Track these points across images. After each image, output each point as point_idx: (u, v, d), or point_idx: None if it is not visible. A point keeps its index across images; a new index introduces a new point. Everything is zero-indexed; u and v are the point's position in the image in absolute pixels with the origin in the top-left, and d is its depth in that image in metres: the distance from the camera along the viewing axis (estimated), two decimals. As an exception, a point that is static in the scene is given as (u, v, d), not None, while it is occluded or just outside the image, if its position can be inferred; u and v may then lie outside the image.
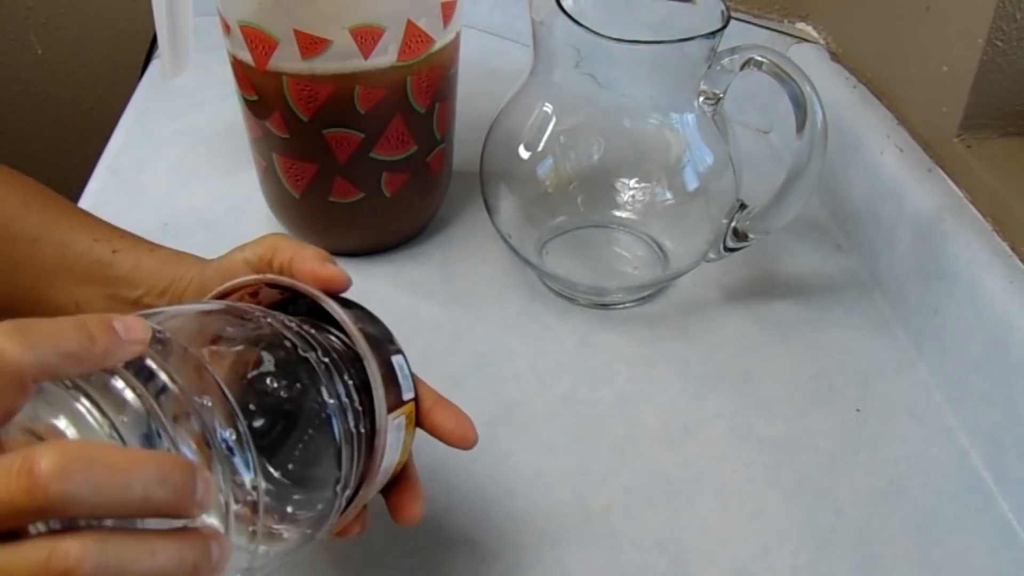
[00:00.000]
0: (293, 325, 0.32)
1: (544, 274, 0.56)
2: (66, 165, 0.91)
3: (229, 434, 0.27)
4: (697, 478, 0.45)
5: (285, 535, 0.30)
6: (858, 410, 0.49)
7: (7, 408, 0.23)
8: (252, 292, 0.35)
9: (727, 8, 0.46)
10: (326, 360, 0.32)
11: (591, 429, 0.47)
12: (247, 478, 0.27)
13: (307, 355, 0.31)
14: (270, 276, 0.35)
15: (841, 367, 0.52)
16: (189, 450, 0.25)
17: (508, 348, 0.52)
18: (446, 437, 0.36)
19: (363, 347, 0.33)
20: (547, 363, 0.51)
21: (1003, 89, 0.49)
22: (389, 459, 0.34)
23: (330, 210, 0.55)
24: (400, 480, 0.36)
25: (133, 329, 0.25)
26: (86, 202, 0.63)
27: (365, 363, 0.33)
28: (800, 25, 0.68)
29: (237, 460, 0.27)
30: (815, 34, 0.67)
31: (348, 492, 0.32)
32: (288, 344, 0.31)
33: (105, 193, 0.64)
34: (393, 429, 0.33)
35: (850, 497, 0.44)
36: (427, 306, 0.55)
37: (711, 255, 0.53)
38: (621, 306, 0.55)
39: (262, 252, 0.36)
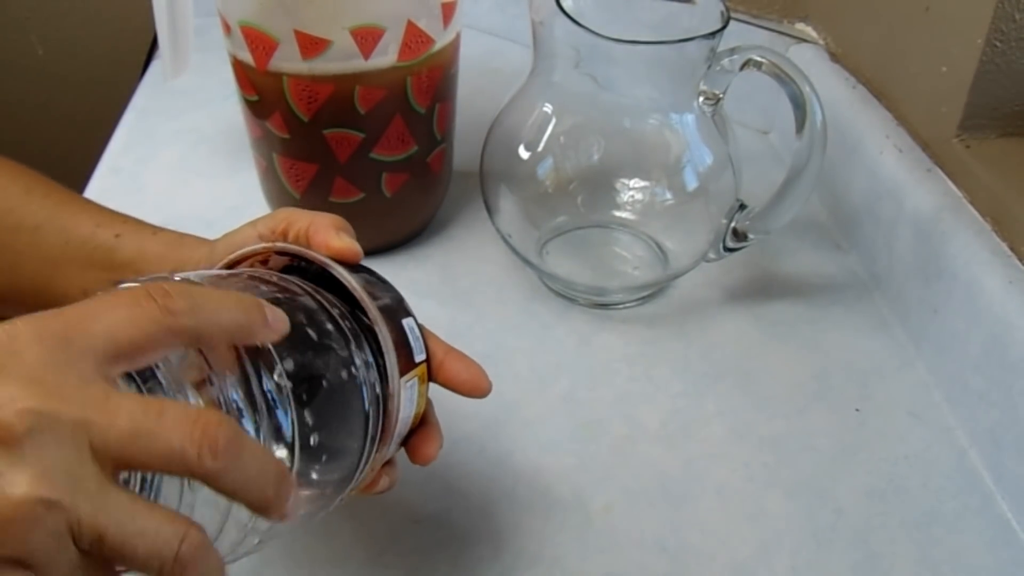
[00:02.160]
0: (310, 290, 0.32)
1: (544, 274, 0.56)
2: (67, 165, 0.91)
3: (271, 387, 0.27)
4: (697, 478, 0.45)
5: (307, 497, 0.30)
6: (858, 409, 0.49)
7: (159, 357, 0.25)
8: (262, 260, 0.35)
9: (727, 8, 0.46)
10: (347, 324, 0.32)
11: (591, 429, 0.48)
12: (286, 431, 0.27)
13: (333, 317, 0.31)
14: (280, 244, 0.35)
15: (841, 366, 0.52)
16: (237, 395, 0.26)
17: (508, 348, 0.52)
18: (460, 388, 0.36)
19: (374, 313, 0.33)
20: (547, 363, 0.51)
21: (1002, 89, 0.49)
22: (403, 420, 0.34)
23: (330, 210, 0.54)
24: (419, 426, 0.36)
25: (278, 320, 0.28)
26: (87, 202, 0.63)
27: (376, 330, 0.33)
28: (800, 25, 0.69)
29: (279, 413, 0.27)
30: (815, 34, 0.68)
31: (371, 456, 0.32)
32: (312, 307, 0.31)
33: (106, 193, 0.64)
34: (406, 391, 0.34)
35: (850, 496, 0.44)
36: (427, 306, 0.55)
37: (711, 255, 0.53)
38: (621, 306, 0.56)
39: (274, 225, 0.36)
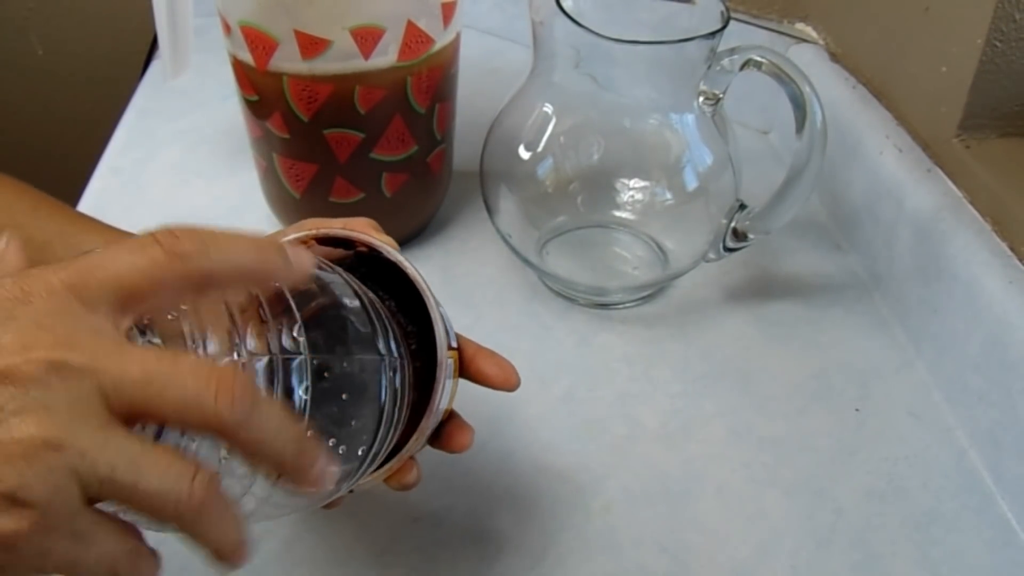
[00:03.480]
0: (342, 272, 0.33)
1: (544, 274, 0.56)
2: (67, 165, 0.91)
3: (291, 346, 0.27)
4: (697, 478, 0.45)
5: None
6: (857, 410, 0.49)
7: (171, 303, 0.25)
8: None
9: (727, 8, 0.46)
10: (377, 309, 0.32)
11: (591, 429, 0.48)
12: (298, 391, 0.27)
13: (364, 302, 0.31)
14: (323, 230, 0.35)
15: (840, 367, 0.52)
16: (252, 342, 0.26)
17: (508, 348, 0.52)
18: (490, 381, 0.37)
19: (422, 284, 0.34)
20: (547, 363, 0.51)
21: (1002, 89, 0.49)
22: (443, 402, 0.35)
23: (330, 210, 0.55)
24: (448, 420, 0.37)
25: (300, 259, 0.27)
26: (87, 202, 0.63)
27: (425, 299, 0.34)
28: (800, 25, 0.69)
29: (294, 376, 0.27)
30: (815, 34, 0.68)
31: (384, 445, 0.32)
32: (344, 288, 0.31)
33: (106, 193, 0.64)
34: (447, 370, 0.34)
35: (849, 496, 0.44)
36: (427, 306, 0.55)
37: (711, 255, 0.53)
38: (621, 306, 0.56)
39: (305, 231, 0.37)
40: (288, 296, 0.27)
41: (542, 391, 0.50)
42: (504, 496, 0.44)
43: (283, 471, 0.25)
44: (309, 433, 0.27)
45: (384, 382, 0.31)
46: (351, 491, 0.34)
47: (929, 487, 0.45)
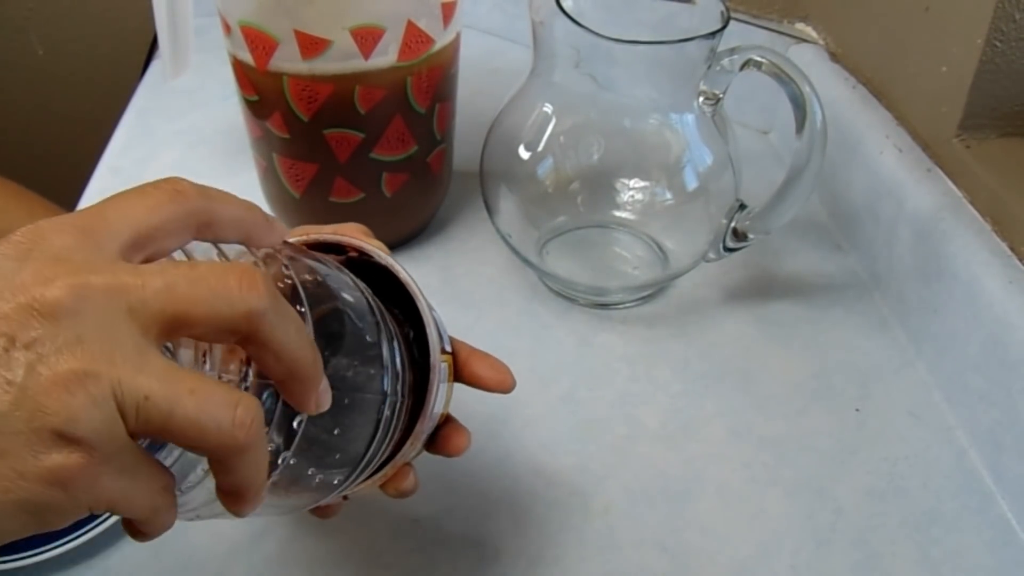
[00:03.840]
0: (348, 274, 0.33)
1: (544, 274, 0.56)
2: (67, 165, 0.91)
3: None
4: (697, 478, 0.45)
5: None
6: (857, 409, 0.49)
7: (177, 243, 0.25)
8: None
9: (727, 8, 0.46)
10: (376, 313, 0.32)
11: (591, 429, 0.48)
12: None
13: (372, 307, 0.31)
14: (313, 236, 0.35)
15: (841, 366, 0.52)
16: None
17: (508, 348, 0.52)
18: (485, 383, 0.37)
19: (414, 288, 0.34)
20: (547, 363, 0.51)
21: (1002, 89, 0.49)
22: (438, 406, 0.34)
23: (330, 210, 0.55)
24: (444, 424, 0.37)
25: (278, 226, 0.29)
26: (87, 202, 0.63)
27: (417, 303, 0.34)
28: (800, 25, 0.69)
29: None
30: (815, 34, 0.68)
31: (380, 451, 0.32)
32: (347, 290, 0.31)
33: (106, 193, 0.63)
34: (441, 373, 0.34)
35: (850, 496, 0.44)
36: (427, 306, 0.55)
37: (711, 255, 0.53)
38: (621, 306, 0.56)
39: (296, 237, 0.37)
40: (300, 291, 0.28)
41: (542, 391, 0.50)
42: (504, 496, 0.44)
43: (297, 378, 0.25)
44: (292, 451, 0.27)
45: (386, 390, 0.31)
46: (346, 497, 0.34)
47: (929, 487, 0.45)
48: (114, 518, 0.41)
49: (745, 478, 0.45)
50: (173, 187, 0.25)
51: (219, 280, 0.23)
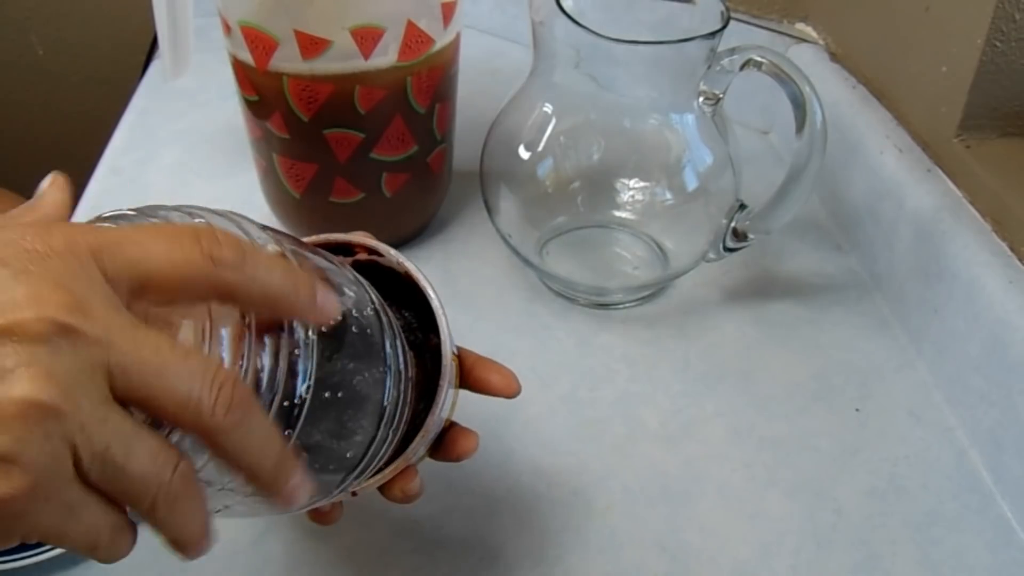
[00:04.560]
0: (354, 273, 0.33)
1: (544, 274, 0.56)
2: (67, 166, 0.91)
3: (303, 338, 0.26)
4: (697, 478, 0.45)
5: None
6: (858, 410, 0.49)
7: (189, 303, 0.24)
8: None
9: (727, 8, 0.46)
10: (390, 314, 0.32)
11: (591, 429, 0.48)
12: (301, 387, 0.27)
13: (377, 307, 0.31)
14: (323, 236, 0.35)
15: (841, 367, 0.52)
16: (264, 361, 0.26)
17: (508, 348, 0.52)
18: (492, 388, 0.37)
19: (425, 283, 0.34)
20: (547, 363, 0.51)
21: (1002, 90, 0.49)
22: (446, 405, 0.34)
23: (330, 210, 0.55)
24: (449, 428, 0.37)
25: (327, 302, 0.26)
26: (87, 203, 0.63)
27: (431, 302, 0.34)
28: (800, 25, 0.69)
29: (299, 365, 0.26)
30: (815, 34, 0.68)
31: (382, 449, 0.32)
32: (361, 292, 0.31)
33: (106, 194, 0.64)
34: (450, 373, 0.34)
35: (850, 496, 0.44)
36: (427, 306, 0.55)
37: (711, 255, 0.53)
38: (621, 306, 0.56)
39: None
40: None
41: (542, 391, 0.50)
42: (504, 496, 0.44)
43: (258, 484, 0.25)
44: (291, 448, 0.26)
45: (388, 387, 0.31)
46: (354, 494, 0.34)
47: (929, 487, 0.45)
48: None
49: (745, 478, 0.45)
50: (210, 248, 0.23)
51: (201, 387, 0.23)
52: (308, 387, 0.27)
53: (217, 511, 0.27)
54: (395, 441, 0.33)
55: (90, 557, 0.24)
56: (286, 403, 0.26)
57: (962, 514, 0.44)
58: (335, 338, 0.29)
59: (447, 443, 0.36)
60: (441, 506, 0.43)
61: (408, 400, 0.33)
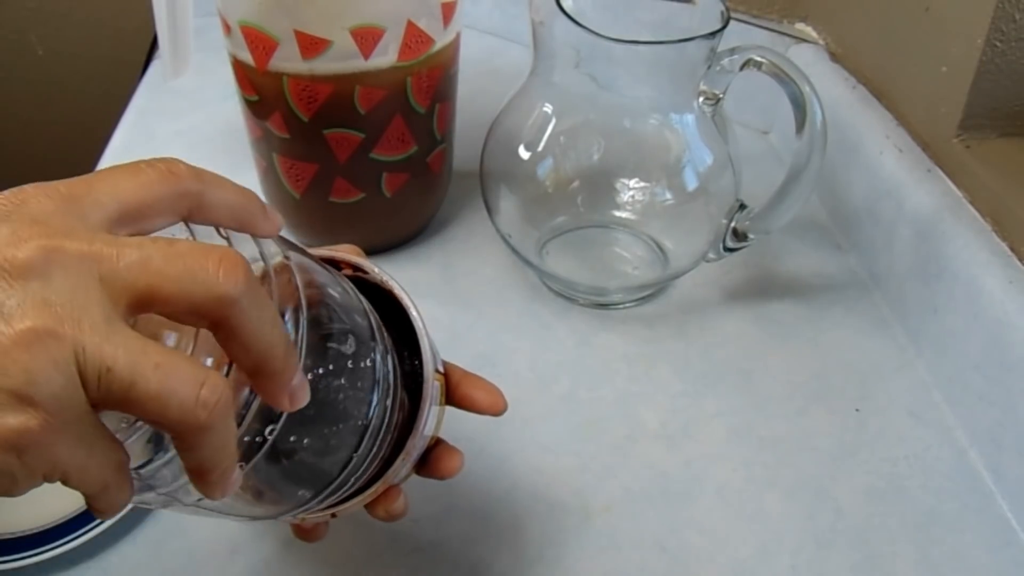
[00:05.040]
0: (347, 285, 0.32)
1: (544, 274, 0.56)
2: (67, 165, 0.91)
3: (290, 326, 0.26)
4: (697, 478, 0.45)
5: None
6: (857, 409, 0.49)
7: (164, 223, 0.25)
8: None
9: (727, 8, 0.46)
10: (381, 326, 0.32)
11: (591, 429, 0.48)
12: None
13: (371, 319, 0.31)
14: (311, 251, 0.35)
15: (841, 366, 0.52)
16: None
17: (508, 348, 0.52)
18: (478, 406, 0.37)
19: (407, 302, 0.34)
20: (547, 363, 0.51)
21: (1002, 89, 0.49)
22: (430, 424, 0.34)
23: (330, 210, 0.55)
24: (435, 446, 0.37)
25: (275, 215, 0.28)
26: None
27: (412, 319, 0.34)
28: (800, 25, 0.69)
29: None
30: (815, 34, 0.68)
31: (366, 465, 0.32)
32: (353, 301, 0.31)
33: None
34: (434, 391, 0.34)
35: (850, 496, 0.44)
36: (427, 306, 0.54)
37: (711, 255, 0.53)
38: (621, 306, 0.56)
39: None
40: (300, 293, 0.27)
41: (542, 391, 0.50)
42: (504, 496, 0.44)
43: (266, 372, 0.24)
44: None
45: (375, 401, 0.30)
46: (333, 515, 0.34)
47: (929, 487, 0.45)
48: (113, 519, 0.41)
49: (745, 478, 0.45)
50: (167, 166, 0.25)
51: (196, 260, 0.22)
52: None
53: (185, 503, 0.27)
54: (378, 459, 0.32)
55: (96, 504, 0.23)
56: (257, 435, 0.26)
57: (962, 514, 0.44)
58: (325, 348, 0.29)
59: (432, 461, 0.36)
60: (440, 506, 0.43)
61: (395, 417, 0.32)
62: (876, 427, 0.48)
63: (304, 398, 0.26)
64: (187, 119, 0.72)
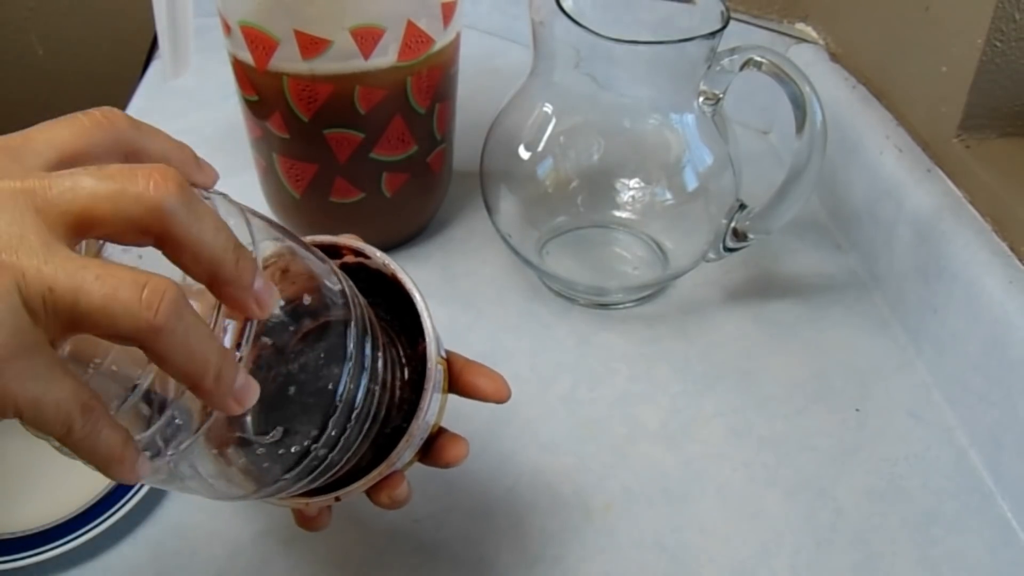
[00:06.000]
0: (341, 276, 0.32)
1: (544, 274, 0.56)
2: (66, 165, 0.91)
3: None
4: (697, 478, 0.45)
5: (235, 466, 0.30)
6: (857, 409, 0.49)
7: (106, 160, 0.25)
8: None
9: (727, 8, 0.46)
10: (361, 306, 0.32)
11: (591, 429, 0.48)
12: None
13: (348, 297, 0.31)
14: (310, 237, 0.35)
15: (840, 366, 0.52)
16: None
17: (508, 348, 0.52)
18: (481, 393, 0.36)
19: (410, 285, 0.34)
20: (547, 363, 0.51)
21: (1002, 89, 0.49)
22: (432, 409, 0.34)
23: (330, 210, 0.55)
24: (439, 434, 0.36)
25: (209, 168, 0.30)
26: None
27: (415, 302, 0.34)
28: (800, 25, 0.69)
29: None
30: (815, 34, 0.68)
31: (350, 445, 0.31)
32: (331, 277, 0.31)
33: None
34: (436, 375, 0.33)
35: (850, 496, 0.44)
36: (427, 306, 0.55)
37: (711, 255, 0.53)
38: (621, 306, 0.56)
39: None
40: (248, 230, 0.27)
41: (542, 391, 0.50)
42: (504, 496, 0.44)
43: (222, 278, 0.24)
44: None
45: (344, 377, 0.30)
46: (337, 499, 0.33)
47: (929, 487, 0.45)
48: (113, 519, 0.41)
49: (745, 478, 0.45)
50: (103, 114, 0.25)
51: (127, 177, 0.22)
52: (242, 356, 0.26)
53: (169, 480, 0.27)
54: (367, 441, 0.32)
55: (75, 450, 0.23)
56: None
57: (962, 514, 0.44)
58: (294, 325, 0.29)
59: (436, 449, 0.36)
60: (440, 506, 0.43)
61: (384, 402, 0.32)
62: (876, 427, 0.48)
63: (272, 302, 0.25)
64: (187, 119, 0.72)
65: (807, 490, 0.45)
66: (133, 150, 0.26)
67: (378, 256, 0.36)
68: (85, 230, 0.22)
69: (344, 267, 0.36)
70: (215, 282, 0.24)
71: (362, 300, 0.32)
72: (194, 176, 0.28)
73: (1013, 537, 0.43)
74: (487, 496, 0.44)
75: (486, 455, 0.46)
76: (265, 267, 0.29)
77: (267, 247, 0.29)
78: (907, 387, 0.51)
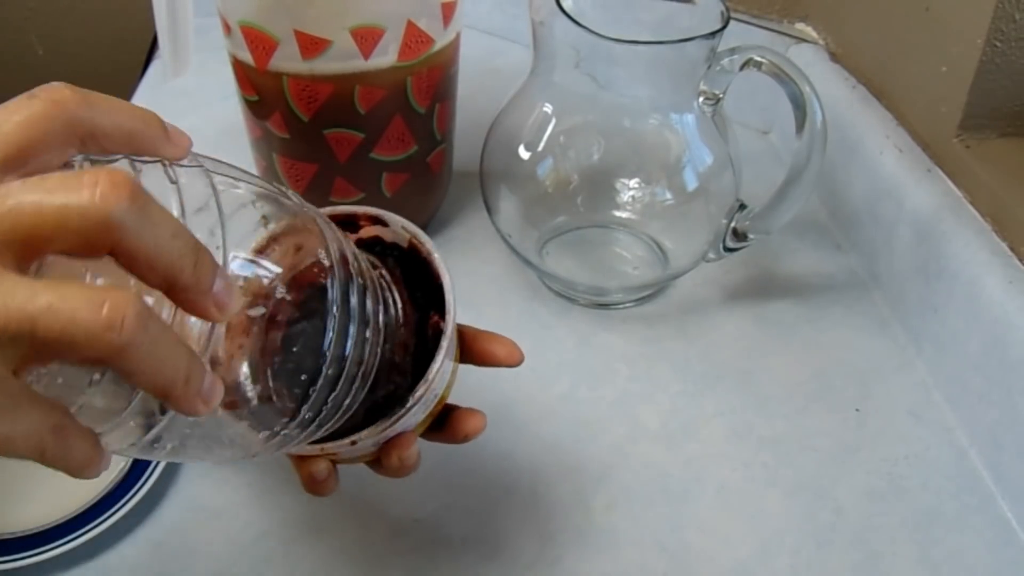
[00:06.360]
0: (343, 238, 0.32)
1: (544, 274, 0.56)
2: (66, 165, 0.91)
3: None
4: (697, 477, 0.45)
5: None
6: (857, 409, 0.49)
7: (59, 157, 0.23)
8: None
9: (727, 8, 0.46)
10: (359, 261, 0.32)
11: (591, 428, 0.48)
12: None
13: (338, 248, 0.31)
14: (328, 208, 0.35)
15: (840, 366, 0.52)
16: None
17: (508, 348, 0.52)
18: (495, 358, 0.37)
19: (428, 246, 0.35)
20: (547, 363, 0.51)
21: (1002, 89, 0.49)
22: (445, 368, 0.34)
23: (330, 210, 0.55)
24: (453, 409, 0.36)
25: (180, 136, 0.27)
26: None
27: (432, 259, 0.35)
28: (800, 25, 0.69)
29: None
30: (815, 34, 0.68)
31: (348, 395, 0.31)
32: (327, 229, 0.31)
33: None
34: (452, 338, 0.33)
35: (850, 496, 0.44)
36: (427, 306, 0.55)
37: (711, 255, 0.53)
38: (621, 306, 0.56)
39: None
40: (179, 198, 0.26)
41: (542, 391, 0.50)
42: (504, 496, 0.44)
43: (180, 285, 0.22)
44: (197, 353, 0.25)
45: (331, 325, 0.29)
46: (353, 443, 0.33)
47: (929, 487, 0.45)
48: (113, 519, 0.41)
49: (745, 478, 0.45)
50: (49, 96, 0.23)
51: (70, 191, 0.20)
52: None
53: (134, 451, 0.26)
54: (364, 387, 0.32)
55: (48, 465, 0.22)
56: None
57: (962, 514, 0.44)
58: (282, 289, 0.29)
59: (453, 422, 0.36)
60: (440, 505, 0.43)
61: (384, 355, 0.32)
62: (876, 427, 0.48)
63: (233, 304, 0.24)
64: (187, 119, 0.71)
65: (807, 490, 0.45)
66: (89, 132, 0.24)
67: (396, 220, 0.36)
68: (32, 253, 0.21)
69: (359, 242, 0.36)
70: (172, 290, 0.23)
71: (354, 250, 0.32)
72: (163, 150, 0.26)
73: (1013, 537, 0.43)
74: (487, 496, 0.44)
75: (486, 454, 0.46)
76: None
77: (245, 214, 0.28)
78: (907, 387, 0.51)
